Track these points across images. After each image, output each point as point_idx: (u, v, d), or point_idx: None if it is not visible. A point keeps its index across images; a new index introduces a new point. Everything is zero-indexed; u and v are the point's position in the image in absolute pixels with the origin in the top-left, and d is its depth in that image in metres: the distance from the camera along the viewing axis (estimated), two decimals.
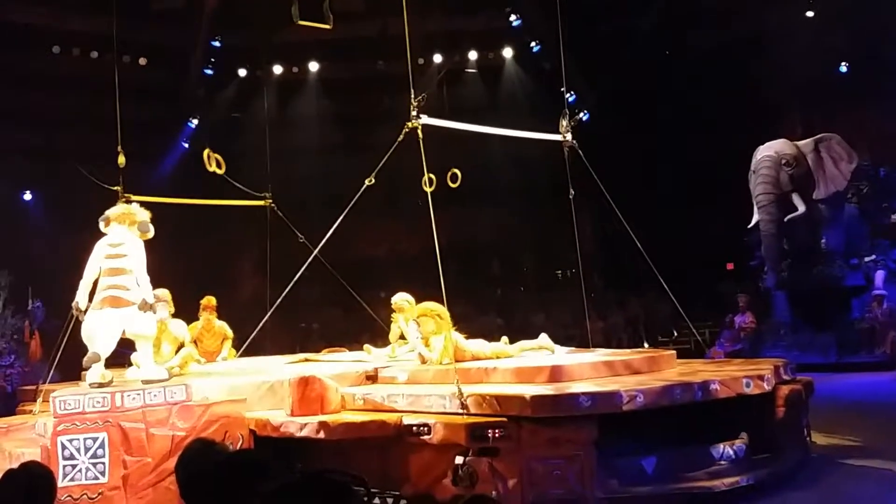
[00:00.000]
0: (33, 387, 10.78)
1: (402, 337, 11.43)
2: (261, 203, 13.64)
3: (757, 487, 7.79)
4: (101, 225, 9.03)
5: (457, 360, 8.89)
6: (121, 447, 7.68)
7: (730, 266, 21.75)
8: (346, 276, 13.79)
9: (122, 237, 8.92)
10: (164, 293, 10.11)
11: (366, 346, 11.90)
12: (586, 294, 12.39)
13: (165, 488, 7.54)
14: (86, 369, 8.50)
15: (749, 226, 19.06)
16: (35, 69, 20.13)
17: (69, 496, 7.40)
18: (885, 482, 8.18)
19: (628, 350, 13.22)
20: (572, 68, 14.53)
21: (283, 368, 10.56)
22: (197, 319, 11.79)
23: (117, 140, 10.06)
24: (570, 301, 17.34)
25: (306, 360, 12.05)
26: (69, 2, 19.45)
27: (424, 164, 9.66)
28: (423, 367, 9.55)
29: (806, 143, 18.83)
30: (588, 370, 8.87)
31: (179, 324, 10.62)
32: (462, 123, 10.90)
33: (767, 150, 18.79)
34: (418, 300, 10.65)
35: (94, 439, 7.65)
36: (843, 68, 20.65)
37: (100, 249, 8.83)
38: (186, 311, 11.33)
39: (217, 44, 22.09)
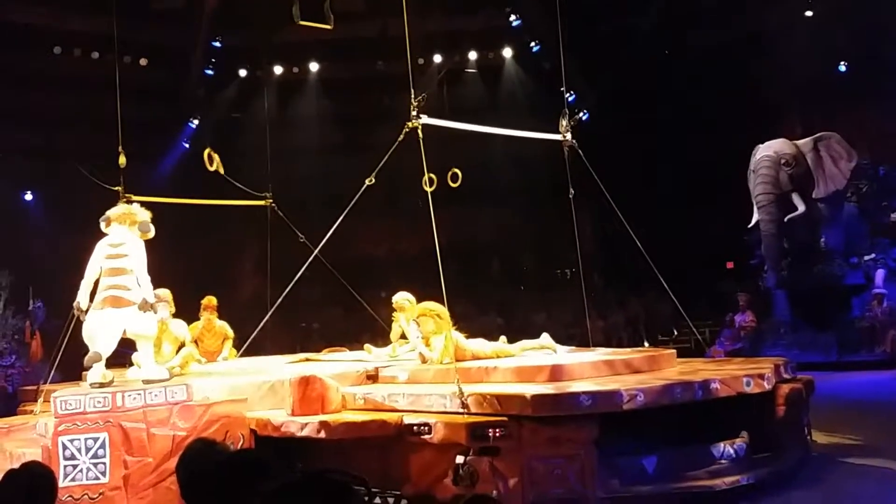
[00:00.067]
0: (34, 387, 10.80)
1: (402, 336, 11.43)
2: (261, 203, 13.64)
3: (758, 486, 7.78)
4: (102, 225, 9.03)
5: (457, 360, 8.89)
6: (122, 447, 7.68)
7: (730, 265, 21.76)
8: (347, 275, 13.79)
9: (123, 237, 8.92)
10: (165, 293, 10.11)
11: (366, 345, 11.90)
12: (586, 293, 12.39)
13: (166, 488, 7.54)
14: (87, 369, 8.51)
15: (749, 225, 19.09)
16: (36, 69, 20.15)
17: (70, 496, 7.41)
18: (886, 481, 8.19)
19: (629, 349, 13.24)
20: (572, 68, 14.53)
21: (283, 368, 10.56)
22: (198, 319, 11.79)
23: (118, 140, 10.06)
24: (570, 300, 17.35)
25: (307, 359, 12.06)
26: (70, 2, 19.46)
27: (424, 163, 9.67)
28: (423, 367, 9.55)
29: (805, 143, 18.84)
30: (588, 369, 8.86)
31: (180, 324, 10.63)
32: (462, 123, 10.91)
33: (767, 150, 18.80)
34: (419, 300, 10.66)
35: (95, 439, 7.65)
36: (843, 68, 20.65)
37: (100, 249, 8.84)
38: (187, 310, 11.33)
39: (217, 44, 22.12)
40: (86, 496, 7.49)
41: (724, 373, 8.56)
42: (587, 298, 12.38)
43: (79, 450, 7.60)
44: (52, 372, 9.80)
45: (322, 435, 7.94)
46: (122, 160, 10.04)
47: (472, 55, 23.57)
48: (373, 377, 9.75)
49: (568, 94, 14.17)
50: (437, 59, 22.83)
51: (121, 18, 11.86)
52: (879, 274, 18.10)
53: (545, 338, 10.45)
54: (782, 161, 18.59)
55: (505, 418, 7.45)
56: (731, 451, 7.98)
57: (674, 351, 10.45)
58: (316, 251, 11.83)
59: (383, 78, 21.27)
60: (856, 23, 19.24)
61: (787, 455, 8.55)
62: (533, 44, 22.67)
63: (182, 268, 16.20)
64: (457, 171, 12.14)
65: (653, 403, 7.60)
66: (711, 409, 8.04)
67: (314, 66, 23.18)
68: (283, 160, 17.13)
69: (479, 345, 9.90)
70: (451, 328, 9.44)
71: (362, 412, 8.51)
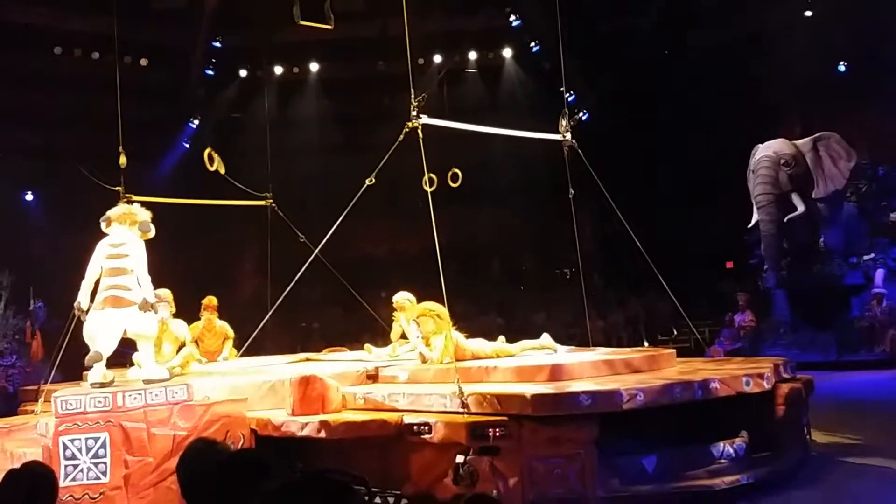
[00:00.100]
0: (35, 387, 10.81)
1: (403, 336, 11.44)
2: (261, 203, 13.65)
3: (757, 486, 7.79)
4: (103, 225, 9.04)
5: (457, 360, 8.91)
6: (122, 447, 7.69)
7: (729, 265, 21.77)
8: (347, 275, 13.80)
9: (124, 237, 8.93)
10: (166, 293, 10.12)
11: (366, 345, 11.91)
12: (586, 293, 12.40)
13: (167, 488, 7.56)
14: (87, 369, 8.52)
15: (749, 226, 19.11)
16: (37, 69, 20.16)
17: (71, 496, 7.41)
18: (886, 480, 8.20)
19: (628, 349, 13.24)
20: (572, 68, 14.55)
21: (284, 368, 10.57)
22: (198, 319, 11.79)
23: (118, 140, 10.06)
24: (570, 300, 17.36)
25: (307, 359, 12.08)
26: (70, 2, 19.47)
27: (425, 163, 9.69)
28: (423, 367, 9.57)
29: (804, 143, 18.86)
30: (588, 369, 8.88)
31: (180, 323, 10.64)
32: (462, 123, 10.92)
33: (766, 150, 18.83)
34: (419, 300, 10.67)
35: (96, 439, 7.66)
36: (842, 68, 20.65)
37: (101, 249, 8.85)
38: (188, 310, 11.34)
39: (218, 44, 22.13)
40: (86, 496, 7.50)
41: (724, 372, 8.56)
42: (587, 298, 12.39)
43: (79, 449, 7.61)
44: (53, 372, 9.79)
45: (322, 435, 7.95)
46: (123, 160, 10.05)
47: (472, 55, 23.59)
48: (373, 377, 9.77)
49: (568, 94, 14.18)
50: (437, 59, 22.84)
51: (121, 18, 11.84)
52: (879, 274, 18.11)
53: (545, 338, 10.47)
54: (782, 161, 18.61)
55: (505, 418, 7.47)
56: (731, 450, 7.99)
57: (673, 350, 10.46)
58: (316, 251, 11.84)
59: (383, 78, 21.28)
60: (855, 23, 19.25)
61: (787, 455, 8.56)
62: (533, 44, 22.68)
63: (182, 268, 16.21)
64: (457, 171, 12.17)
65: (652, 403, 7.61)
66: (711, 408, 8.05)
67: (314, 67, 23.19)
68: (284, 160, 17.14)
69: (479, 345, 9.92)
70: (450, 328, 9.46)
71: (362, 412, 8.53)
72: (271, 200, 13.68)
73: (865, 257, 18.58)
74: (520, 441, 7.40)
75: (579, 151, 11.16)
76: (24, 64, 19.80)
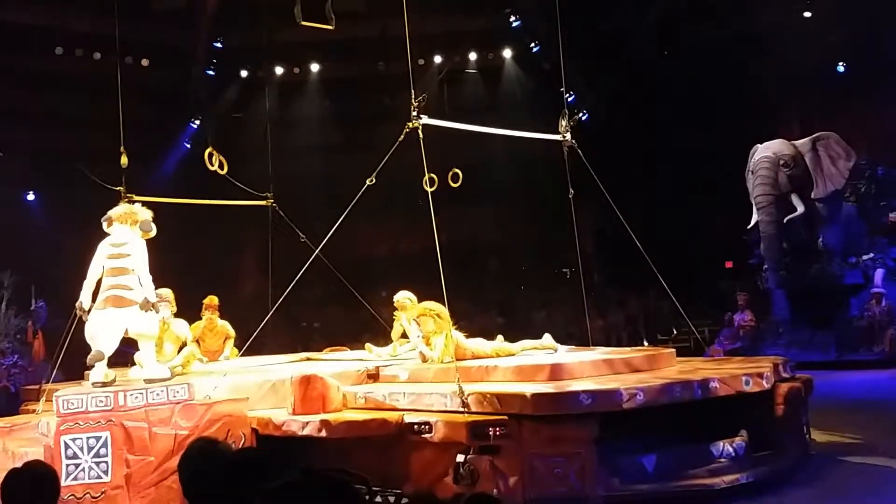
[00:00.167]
0: (36, 386, 10.81)
1: (403, 335, 11.47)
2: (262, 203, 13.67)
3: (757, 485, 7.81)
4: (104, 225, 9.06)
5: (457, 359, 8.94)
6: (123, 446, 7.71)
7: (728, 264, 21.78)
8: (348, 275, 13.81)
9: (125, 237, 8.95)
10: (167, 293, 10.14)
11: (367, 344, 11.93)
12: (586, 293, 12.42)
13: (168, 487, 7.59)
14: (89, 368, 8.54)
15: (748, 227, 19.13)
16: (38, 70, 20.17)
17: (72, 495, 7.44)
18: (885, 479, 8.22)
19: (628, 348, 13.28)
20: (572, 68, 14.57)
21: (284, 367, 10.59)
22: (199, 319, 11.81)
23: (120, 140, 10.08)
24: (570, 300, 17.39)
25: (308, 358, 12.10)
26: (72, 2, 19.49)
27: (425, 163, 9.72)
28: (424, 366, 9.59)
29: (804, 143, 18.88)
30: (588, 368, 8.90)
31: (182, 323, 10.66)
32: (462, 123, 10.95)
33: (765, 151, 18.85)
34: (419, 299, 10.70)
35: (97, 438, 7.68)
36: (841, 68, 20.66)
37: (103, 249, 8.87)
38: (189, 310, 11.36)
39: (219, 45, 22.14)
40: (88, 495, 7.53)
41: (724, 372, 8.59)
42: (587, 298, 12.41)
43: (81, 449, 7.64)
44: (55, 371, 9.81)
45: (323, 434, 7.98)
46: (124, 160, 10.04)
47: (472, 55, 23.61)
48: (374, 376, 9.80)
49: (567, 95, 14.20)
50: (438, 59, 22.85)
51: (122, 19, 11.83)
52: (878, 273, 18.11)
53: (547, 338, 10.49)
54: (781, 162, 18.63)
55: (505, 417, 7.49)
56: (731, 449, 8.01)
57: (673, 350, 10.49)
58: (317, 251, 11.85)
59: (384, 78, 21.30)
60: (855, 23, 19.27)
61: (786, 454, 8.58)
62: (533, 44, 22.69)
63: (184, 267, 16.23)
64: (458, 171, 12.18)
65: (652, 402, 7.64)
66: (711, 407, 8.07)
67: (315, 67, 23.20)
68: (284, 160, 17.14)
69: (479, 344, 9.94)
70: (451, 327, 9.49)
71: (363, 411, 8.55)
72: (272, 200, 13.69)
73: (864, 257, 18.58)
74: (520, 440, 7.43)
75: (579, 151, 11.18)
76: (26, 64, 19.82)
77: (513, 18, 22.91)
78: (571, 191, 11.38)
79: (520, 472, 7.37)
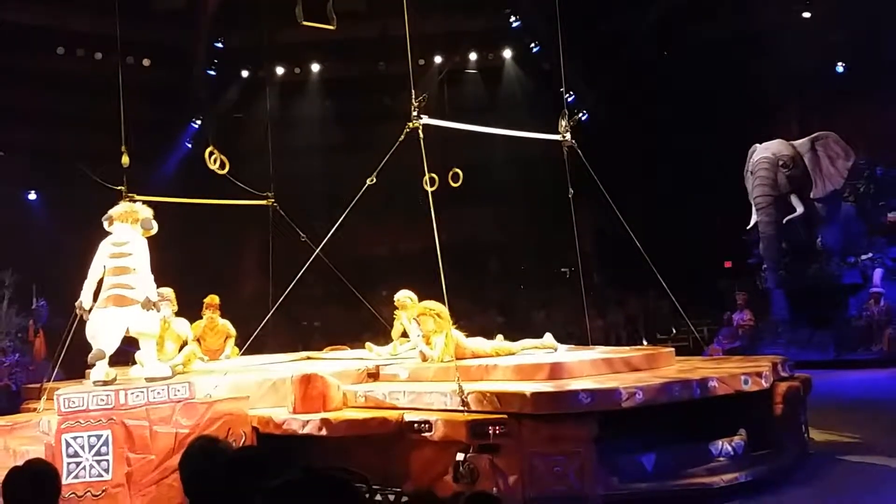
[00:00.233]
0: (38, 385, 10.83)
1: (404, 334, 11.49)
2: (263, 202, 13.69)
3: (755, 484, 7.83)
4: (105, 224, 9.09)
5: (457, 358, 8.96)
6: (124, 444, 7.74)
7: (728, 264, 21.79)
8: (348, 274, 13.84)
9: (127, 236, 8.98)
10: (168, 292, 10.16)
11: (367, 343, 11.94)
12: (586, 292, 12.45)
13: (169, 485, 7.60)
14: (90, 366, 8.57)
15: (748, 227, 19.15)
16: (40, 69, 20.20)
17: (73, 494, 7.46)
18: (883, 478, 8.24)
19: (627, 347, 13.29)
20: (572, 68, 14.59)
21: (285, 366, 10.62)
22: (200, 318, 11.83)
23: (121, 140, 10.10)
24: (569, 299, 17.41)
25: (308, 357, 12.12)
26: (73, 2, 19.52)
27: (425, 163, 9.74)
28: (424, 365, 9.62)
29: (802, 143, 18.90)
30: (588, 367, 8.92)
31: (183, 322, 10.68)
32: (462, 123, 10.97)
33: (765, 152, 18.87)
34: (419, 298, 10.73)
35: (98, 437, 7.71)
36: (840, 68, 20.66)
37: (104, 248, 8.89)
38: (190, 309, 11.39)
39: (219, 45, 22.17)
40: (89, 493, 7.55)
41: (723, 371, 8.61)
42: (586, 297, 12.44)
43: (82, 447, 7.66)
44: (56, 370, 9.85)
45: (323, 432, 8.01)
46: (126, 160, 10.06)
47: (473, 56, 23.64)
48: (374, 375, 9.83)
49: (567, 95, 14.23)
50: (438, 59, 22.88)
51: (123, 19, 11.86)
52: (877, 273, 18.11)
53: (548, 338, 10.51)
54: (780, 163, 18.65)
55: (505, 416, 7.51)
56: (730, 448, 8.04)
57: (672, 349, 10.52)
58: (317, 250, 11.88)
59: (384, 78, 21.32)
60: (854, 23, 19.28)
61: (785, 453, 8.60)
62: (533, 44, 22.72)
63: (184, 266, 16.25)
64: (458, 171, 12.20)
65: (651, 401, 7.66)
66: (710, 407, 8.09)
67: (315, 67, 23.25)
68: (285, 160, 17.16)
69: (479, 343, 9.97)
70: (451, 327, 9.51)
71: (363, 410, 8.57)
72: (273, 200, 13.71)
73: (863, 257, 18.58)
74: (520, 439, 7.45)
75: (579, 151, 11.20)
76: (27, 64, 19.85)
77: (513, 19, 22.94)
78: (571, 191, 11.40)
79: (519, 471, 7.40)
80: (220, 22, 21.62)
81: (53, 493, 3.82)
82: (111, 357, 8.59)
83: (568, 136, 11.18)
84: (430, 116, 9.78)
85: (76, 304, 8.78)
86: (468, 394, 7.81)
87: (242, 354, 12.18)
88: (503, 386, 8.25)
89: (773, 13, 20.37)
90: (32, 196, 21.23)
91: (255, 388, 9.07)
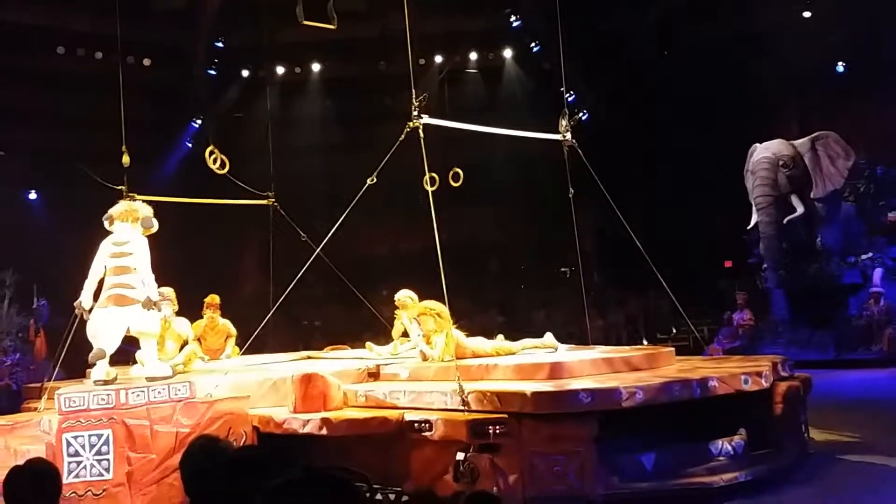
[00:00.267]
0: (38, 384, 10.83)
1: (404, 334, 11.50)
2: (263, 202, 13.70)
3: (755, 483, 7.84)
4: (105, 223, 9.10)
5: (458, 358, 8.96)
6: (125, 444, 7.75)
7: (728, 264, 21.80)
8: (349, 274, 13.85)
9: (127, 235, 8.99)
10: (168, 291, 10.17)
11: (368, 343, 11.95)
12: (586, 292, 12.45)
13: (169, 485, 7.61)
14: (91, 366, 8.58)
15: (748, 227, 19.16)
16: (40, 69, 20.21)
17: (74, 493, 7.48)
18: (883, 477, 8.25)
19: (628, 347, 13.30)
20: (572, 68, 14.59)
21: (285, 366, 10.62)
22: (201, 317, 11.84)
23: (122, 140, 10.11)
24: (570, 299, 17.41)
25: (309, 357, 12.13)
26: (73, 2, 19.53)
27: (426, 163, 9.75)
28: (424, 365, 9.62)
29: (802, 143, 18.91)
30: (588, 367, 8.93)
31: (183, 321, 10.69)
32: (462, 123, 10.98)
33: (765, 152, 18.87)
34: (420, 298, 10.73)
35: (99, 436, 7.72)
36: (840, 68, 20.67)
37: (105, 248, 8.91)
38: (190, 308, 11.40)
39: (220, 44, 22.18)
40: (89, 493, 7.56)
41: (723, 371, 8.61)
42: (586, 297, 12.44)
43: (82, 446, 7.67)
44: (56, 369, 9.86)
45: (324, 432, 8.02)
46: (126, 159, 10.07)
47: (473, 55, 23.66)
48: (374, 375, 9.83)
49: (568, 95, 14.24)
50: (438, 59, 22.91)
51: (123, 19, 11.88)
52: (877, 273, 18.11)
53: (548, 337, 10.51)
54: (780, 163, 18.66)
55: (505, 415, 7.52)
56: (730, 448, 8.04)
57: (672, 349, 10.53)
58: (318, 250, 11.89)
59: (384, 78, 21.34)
60: (854, 23, 19.29)
61: (785, 452, 8.61)
62: (533, 44, 22.73)
63: (185, 266, 16.26)
64: (458, 170, 12.20)
65: (651, 401, 7.67)
66: (710, 406, 8.09)
67: (316, 67, 23.26)
68: (285, 160, 17.17)
69: (479, 343, 9.97)
70: (451, 326, 9.52)
71: (364, 409, 8.58)
72: (273, 199, 13.72)
73: (863, 256, 18.58)
74: (520, 438, 7.46)
75: (579, 151, 11.21)
76: (27, 64, 19.86)
77: (513, 18, 22.95)
78: (571, 190, 11.41)
79: (519, 471, 7.41)
80: (220, 21, 21.63)
81: (54, 493, 3.82)
82: (112, 356, 8.61)
83: (568, 135, 11.18)
84: (431, 116, 9.79)
85: (76, 303, 8.80)
86: (468, 393, 7.82)
87: (243, 354, 12.19)
88: (503, 385, 8.26)
89: (773, 13, 20.39)
90: (33, 196, 21.25)
91: (255, 387, 9.07)
